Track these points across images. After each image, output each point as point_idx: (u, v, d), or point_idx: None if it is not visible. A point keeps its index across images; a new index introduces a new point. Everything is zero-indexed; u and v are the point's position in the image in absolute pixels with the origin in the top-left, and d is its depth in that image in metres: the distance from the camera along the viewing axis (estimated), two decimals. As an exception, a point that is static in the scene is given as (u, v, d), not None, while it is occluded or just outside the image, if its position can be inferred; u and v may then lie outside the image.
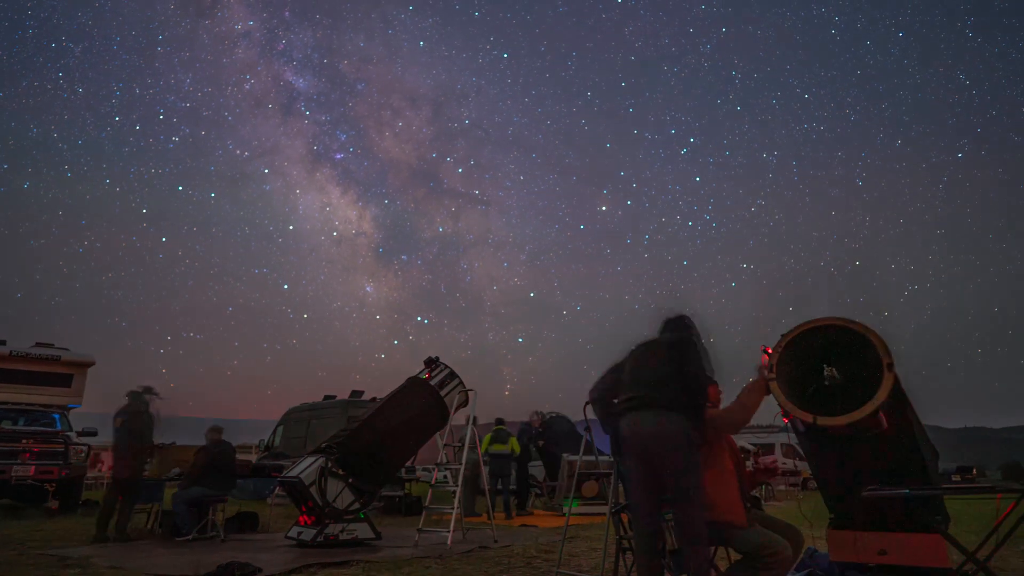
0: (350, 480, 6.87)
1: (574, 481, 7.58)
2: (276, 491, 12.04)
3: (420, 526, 7.16)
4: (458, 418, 7.96)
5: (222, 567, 5.15)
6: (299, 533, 6.82)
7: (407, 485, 12.16)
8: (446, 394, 7.64)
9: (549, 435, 13.06)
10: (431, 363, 7.87)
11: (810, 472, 18.57)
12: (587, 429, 5.12)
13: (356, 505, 6.91)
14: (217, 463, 7.76)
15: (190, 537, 7.24)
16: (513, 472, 11.29)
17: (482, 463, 9.41)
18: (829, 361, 3.35)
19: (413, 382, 7.72)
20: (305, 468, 6.80)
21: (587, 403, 4.83)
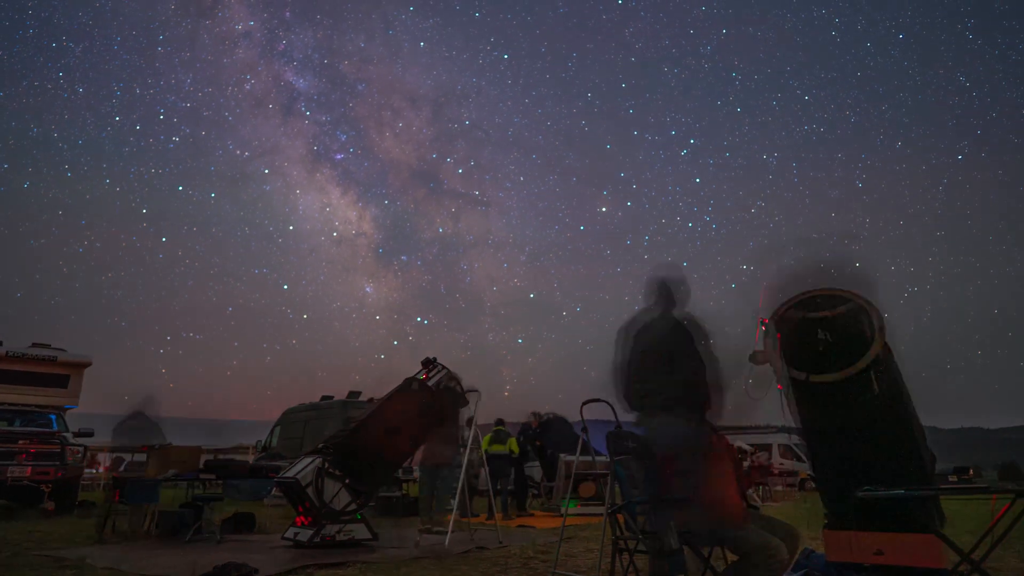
0: (347, 481, 6.86)
1: (571, 482, 7.58)
2: (273, 492, 12.05)
3: (420, 527, 7.16)
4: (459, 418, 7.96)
5: (219, 568, 5.14)
6: (296, 534, 6.81)
7: (404, 486, 12.16)
8: (444, 395, 7.63)
9: (546, 435, 13.05)
10: (428, 364, 7.87)
11: (808, 472, 18.57)
12: (584, 430, 5.12)
13: (353, 506, 6.90)
14: None
15: (183, 538, 7.22)
16: (512, 473, 11.28)
17: (485, 463, 9.40)
18: (823, 327, 3.40)
19: (411, 383, 7.71)
20: (302, 469, 6.79)
21: (584, 403, 4.84)
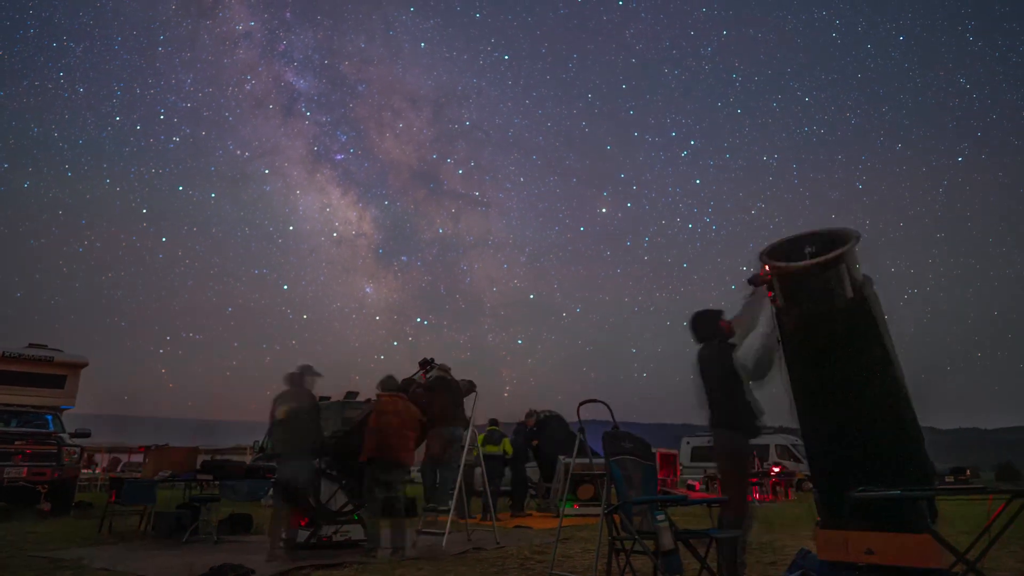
0: (344, 482, 6.86)
1: (567, 483, 7.58)
2: (270, 493, 12.03)
3: (418, 528, 7.16)
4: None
5: (215, 569, 5.13)
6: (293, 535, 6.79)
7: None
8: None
9: (544, 435, 12.99)
10: (426, 364, 7.87)
11: (805, 473, 18.57)
12: (581, 430, 5.12)
13: (350, 507, 6.90)
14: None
15: (179, 539, 7.21)
16: (507, 473, 11.26)
17: (482, 464, 9.39)
18: (810, 243, 3.57)
19: (408, 383, 7.70)
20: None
21: (580, 404, 4.85)
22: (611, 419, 4.76)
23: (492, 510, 7.92)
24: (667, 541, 3.41)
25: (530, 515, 11.26)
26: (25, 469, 10.09)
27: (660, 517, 3.44)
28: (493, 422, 12.07)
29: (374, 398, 6.82)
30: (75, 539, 7.29)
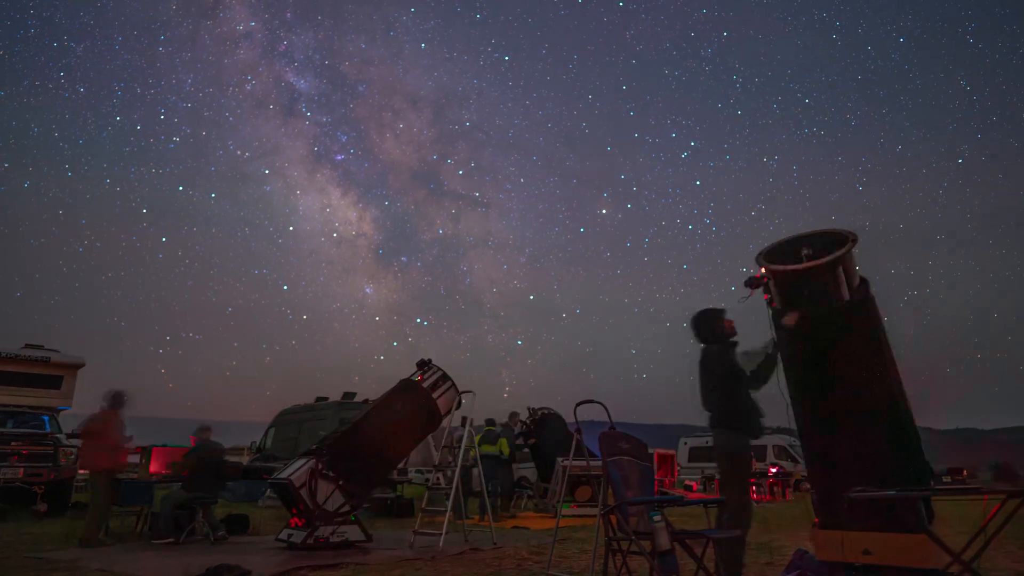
0: (340, 482, 6.85)
1: (563, 484, 7.57)
2: (268, 493, 12.01)
3: (415, 528, 7.15)
4: (456, 420, 7.96)
5: (211, 570, 5.12)
6: (290, 535, 6.79)
7: (398, 487, 12.13)
8: (438, 396, 7.64)
9: (541, 434, 12.91)
10: (423, 365, 7.86)
11: (802, 473, 18.52)
12: (577, 430, 5.12)
13: (347, 507, 6.89)
14: (205, 464, 7.71)
15: (172, 540, 7.18)
16: (500, 474, 11.23)
17: (479, 464, 9.39)
18: (807, 245, 3.57)
19: (405, 384, 7.71)
20: (295, 470, 6.78)
21: (577, 405, 4.85)
22: (608, 419, 4.76)
23: (489, 510, 7.92)
24: (663, 542, 3.41)
25: (514, 516, 11.15)
26: (21, 470, 10.05)
27: (657, 517, 3.44)
28: (490, 422, 12.06)
29: (372, 398, 6.83)
30: (72, 540, 7.26)
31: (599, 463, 4.34)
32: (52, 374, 12.20)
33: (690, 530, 3.91)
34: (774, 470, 17.66)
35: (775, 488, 16.87)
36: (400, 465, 9.74)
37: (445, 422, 7.96)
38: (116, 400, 7.76)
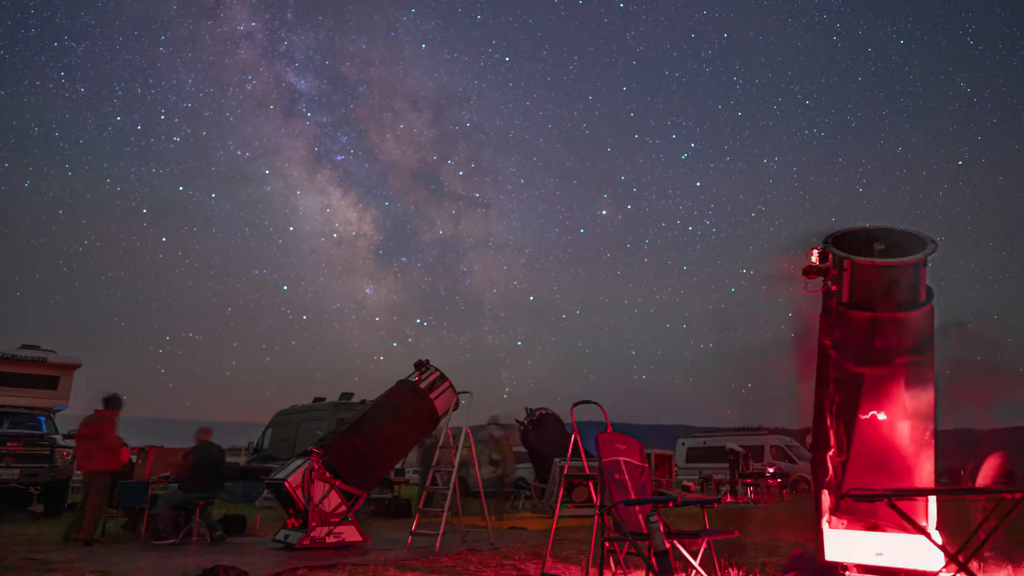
0: (337, 483, 6.84)
1: (560, 484, 7.55)
2: (264, 494, 11.99)
3: (413, 528, 7.14)
4: (456, 420, 7.95)
5: (208, 570, 5.10)
6: (286, 536, 6.78)
7: (396, 488, 12.11)
8: (436, 397, 7.63)
9: (539, 434, 12.89)
10: (421, 366, 7.86)
11: (800, 473, 18.51)
12: (574, 431, 5.12)
13: (343, 508, 6.87)
14: (204, 465, 7.70)
15: (170, 540, 7.17)
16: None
17: (477, 465, 9.38)
18: (880, 240, 3.50)
19: (403, 385, 7.70)
20: (292, 471, 6.77)
21: (574, 405, 4.85)
22: (605, 420, 4.76)
23: (486, 510, 7.91)
24: (659, 542, 3.41)
25: (502, 518, 11.09)
26: (18, 471, 10.02)
27: (653, 518, 3.43)
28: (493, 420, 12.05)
29: (370, 399, 6.83)
30: (67, 542, 7.24)
31: (593, 463, 4.33)
32: (48, 374, 12.16)
33: (686, 530, 3.91)
34: (771, 470, 17.67)
35: (773, 488, 16.87)
36: (398, 465, 9.73)
37: (443, 422, 7.95)
38: (113, 402, 7.75)
